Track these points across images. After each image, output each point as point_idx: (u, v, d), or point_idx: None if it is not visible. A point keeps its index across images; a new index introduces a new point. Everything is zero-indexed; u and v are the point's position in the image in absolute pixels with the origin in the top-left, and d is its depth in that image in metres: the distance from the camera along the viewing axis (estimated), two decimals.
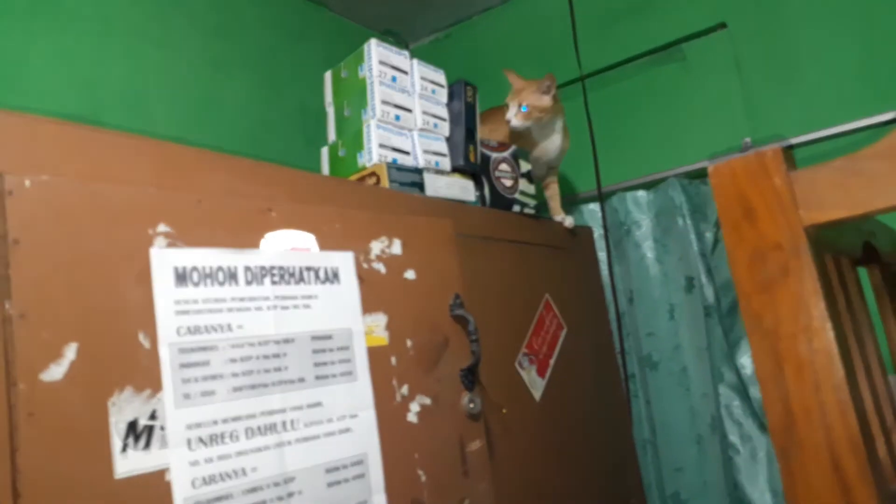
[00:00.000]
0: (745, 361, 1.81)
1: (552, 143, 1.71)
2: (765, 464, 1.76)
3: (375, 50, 1.35)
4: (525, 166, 1.65)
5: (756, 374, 0.68)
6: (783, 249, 0.66)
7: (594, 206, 2.05)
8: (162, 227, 0.83)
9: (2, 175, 0.72)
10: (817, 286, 0.64)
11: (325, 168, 1.43)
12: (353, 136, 1.36)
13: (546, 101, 1.62)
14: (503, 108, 1.67)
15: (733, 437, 1.79)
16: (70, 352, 0.72)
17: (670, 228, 1.90)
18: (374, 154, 1.31)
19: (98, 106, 1.48)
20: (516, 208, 1.58)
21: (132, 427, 0.75)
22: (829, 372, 0.63)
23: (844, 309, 0.80)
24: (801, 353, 0.65)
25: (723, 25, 1.91)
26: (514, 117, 1.60)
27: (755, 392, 1.78)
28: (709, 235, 1.86)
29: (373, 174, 1.30)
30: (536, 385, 1.44)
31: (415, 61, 1.43)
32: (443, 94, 1.47)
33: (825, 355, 0.63)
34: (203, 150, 0.92)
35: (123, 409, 0.75)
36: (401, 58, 1.40)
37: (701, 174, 1.92)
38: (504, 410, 1.28)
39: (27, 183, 0.73)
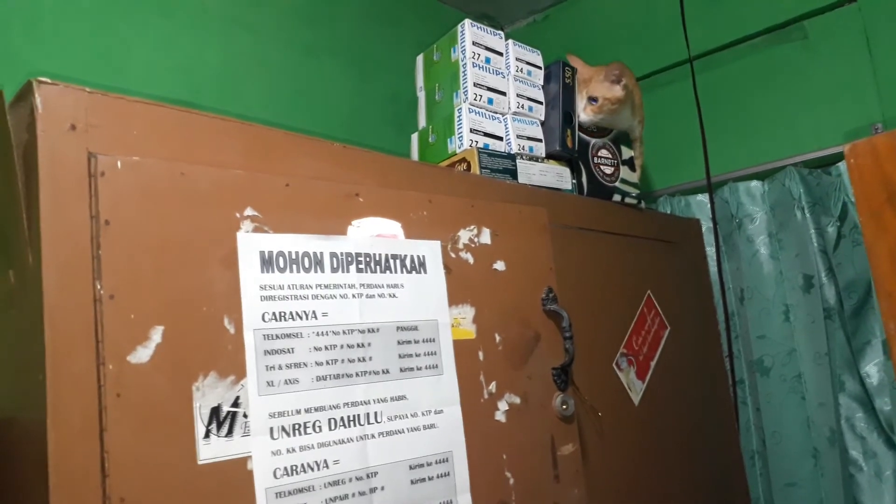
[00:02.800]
0: (872, 370, 1.63)
1: (623, 123, 1.58)
2: (892, 483, 1.58)
3: (469, 30, 1.30)
4: (627, 153, 1.56)
5: None
6: None
7: (703, 198, 1.91)
8: (249, 211, 0.81)
9: (95, 155, 0.72)
10: None
11: (415, 155, 1.40)
12: (443, 121, 1.32)
13: (618, 91, 1.47)
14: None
15: (855, 453, 1.62)
16: (156, 335, 0.72)
17: (787, 222, 1.74)
18: (464, 139, 1.26)
19: (195, 91, 1.51)
20: (617, 197, 1.49)
21: (215, 413, 0.74)
22: None
23: None
24: None
25: (851, 0, 1.72)
26: (583, 111, 1.46)
27: (882, 403, 1.60)
28: (831, 230, 1.69)
29: (463, 160, 1.26)
30: (635, 388, 1.35)
31: (510, 42, 1.37)
32: (539, 76, 1.40)
33: None
34: (291, 132, 0.91)
35: (207, 394, 0.74)
36: (495, 38, 1.35)
37: (822, 163, 1.75)
38: (600, 414, 1.20)
39: (119, 164, 0.73)
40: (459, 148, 1.28)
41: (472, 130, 1.27)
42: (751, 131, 1.88)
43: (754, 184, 1.82)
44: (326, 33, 1.84)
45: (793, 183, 1.73)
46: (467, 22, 1.31)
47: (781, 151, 1.80)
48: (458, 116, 1.28)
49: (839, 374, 1.65)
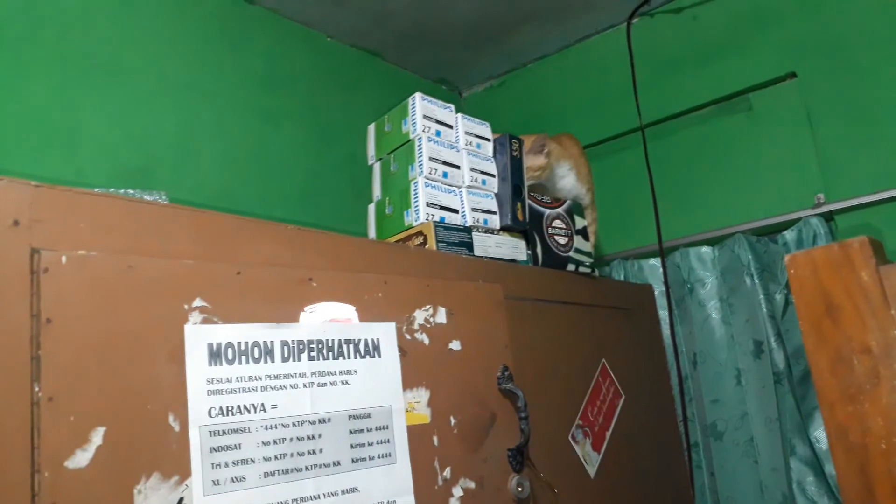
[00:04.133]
0: (821, 434, 1.66)
1: (565, 185, 1.65)
2: None
3: (420, 104, 1.33)
4: (581, 222, 1.59)
5: (840, 493, 0.59)
6: (872, 354, 0.58)
7: (655, 261, 1.96)
8: (198, 302, 0.80)
9: (38, 251, 0.70)
10: None
11: (372, 226, 1.40)
12: (400, 194, 1.33)
13: (540, 160, 1.54)
14: None
15: None
16: (97, 436, 0.69)
17: (737, 288, 1.79)
18: (421, 212, 1.27)
19: (150, 160, 1.50)
20: (571, 267, 1.51)
21: None
22: None
23: None
24: None
25: (792, 75, 1.81)
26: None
27: (832, 468, 1.63)
28: (779, 297, 1.74)
29: (420, 233, 1.26)
30: (591, 460, 1.35)
31: (459, 115, 1.39)
32: (489, 148, 1.43)
33: None
34: (244, 217, 0.90)
35: (150, 496, 0.71)
36: (446, 112, 1.37)
37: (770, 230, 1.81)
38: (556, 490, 1.19)
39: (63, 259, 0.72)
40: (416, 221, 1.28)
41: (428, 204, 1.29)
42: (701, 198, 1.95)
43: (705, 249, 1.87)
44: (285, 99, 1.85)
45: (742, 250, 1.78)
46: (418, 95, 1.34)
47: (730, 218, 1.86)
48: (415, 190, 1.29)
49: (790, 438, 1.68)
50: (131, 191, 1.22)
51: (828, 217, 1.71)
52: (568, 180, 1.65)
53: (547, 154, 1.56)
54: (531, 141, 1.54)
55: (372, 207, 1.43)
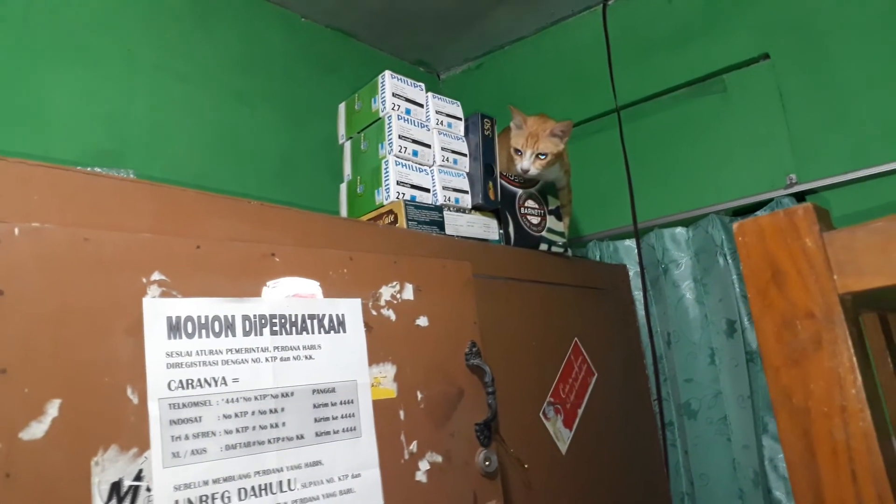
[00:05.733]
0: None
1: (551, 175, 1.61)
2: None
3: (390, 82, 1.32)
4: (553, 202, 1.59)
5: (784, 458, 0.60)
6: (815, 318, 0.58)
7: (630, 243, 1.97)
8: (156, 276, 0.80)
9: None
10: (854, 361, 0.56)
11: (344, 205, 1.40)
12: (371, 172, 1.33)
13: (561, 146, 1.52)
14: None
15: (779, 493, 1.67)
16: (52, 408, 0.69)
17: (710, 268, 1.81)
18: (391, 191, 1.27)
19: (121, 141, 1.48)
20: (543, 247, 1.52)
21: (116, 488, 0.71)
22: (867, 459, 0.55)
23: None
24: (836, 436, 0.57)
25: (765, 56, 1.82)
26: (533, 165, 1.48)
27: None
28: None
29: (391, 212, 1.26)
30: (562, 436, 1.36)
31: (430, 94, 1.39)
32: (460, 128, 1.42)
33: (863, 440, 0.55)
34: (204, 192, 0.90)
35: (107, 468, 0.71)
36: (416, 90, 1.37)
37: (742, 210, 1.82)
38: (526, 466, 1.20)
39: (16, 231, 0.71)
40: (387, 200, 1.28)
41: (398, 182, 1.29)
42: (675, 179, 1.96)
43: (679, 230, 1.88)
44: (259, 80, 1.83)
45: (715, 230, 1.79)
46: (387, 73, 1.33)
47: (704, 199, 1.88)
48: (385, 169, 1.29)
49: (762, 416, 1.70)
50: (98, 169, 1.21)
51: (799, 197, 1.73)
52: (555, 170, 1.63)
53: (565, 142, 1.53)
54: (551, 126, 1.50)
55: (343, 187, 1.42)
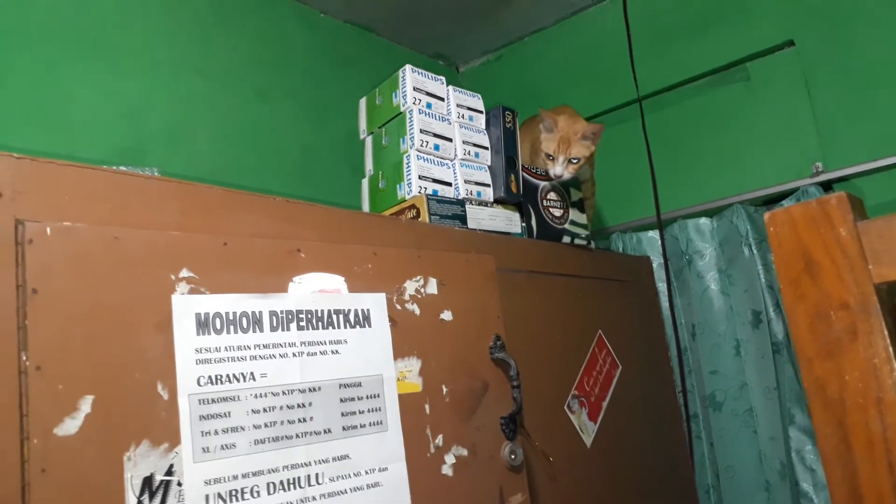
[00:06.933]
0: None
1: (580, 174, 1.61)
2: None
3: (410, 76, 1.32)
4: (576, 194, 1.58)
5: (819, 449, 0.59)
6: (850, 309, 0.57)
7: (653, 234, 1.95)
8: (185, 273, 0.80)
9: (22, 223, 0.71)
10: (890, 351, 0.55)
11: (366, 200, 1.40)
12: (392, 167, 1.33)
13: (593, 148, 1.53)
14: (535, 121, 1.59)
15: (806, 485, 1.65)
16: (85, 405, 0.70)
17: (735, 258, 1.79)
18: (413, 185, 1.27)
19: (143, 138, 1.50)
20: (566, 239, 1.51)
21: (147, 483, 0.72)
22: None
23: None
24: (873, 428, 0.56)
25: (790, 44, 1.79)
26: (566, 171, 1.49)
27: None
28: None
29: (413, 206, 1.26)
30: (587, 429, 1.35)
31: (450, 88, 1.39)
32: (481, 121, 1.42)
33: None
34: (230, 189, 0.90)
35: (139, 463, 0.72)
36: (436, 84, 1.36)
37: (767, 200, 1.80)
38: (551, 459, 1.20)
39: (48, 230, 0.72)
40: (409, 194, 1.28)
41: (420, 177, 1.28)
42: (699, 169, 1.93)
43: (703, 221, 1.86)
44: (279, 76, 1.84)
45: (739, 220, 1.77)
46: (408, 67, 1.33)
47: (728, 189, 1.85)
48: (407, 163, 1.29)
49: (789, 407, 1.68)
50: (123, 167, 1.22)
51: (826, 186, 1.70)
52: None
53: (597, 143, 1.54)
54: (582, 129, 1.50)
55: (365, 182, 1.42)
